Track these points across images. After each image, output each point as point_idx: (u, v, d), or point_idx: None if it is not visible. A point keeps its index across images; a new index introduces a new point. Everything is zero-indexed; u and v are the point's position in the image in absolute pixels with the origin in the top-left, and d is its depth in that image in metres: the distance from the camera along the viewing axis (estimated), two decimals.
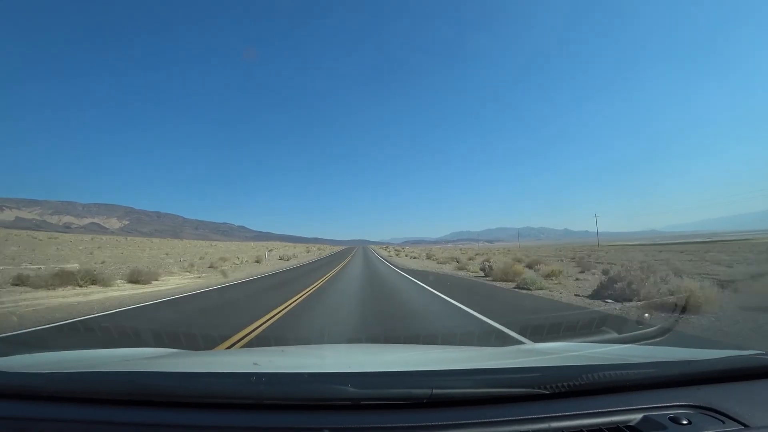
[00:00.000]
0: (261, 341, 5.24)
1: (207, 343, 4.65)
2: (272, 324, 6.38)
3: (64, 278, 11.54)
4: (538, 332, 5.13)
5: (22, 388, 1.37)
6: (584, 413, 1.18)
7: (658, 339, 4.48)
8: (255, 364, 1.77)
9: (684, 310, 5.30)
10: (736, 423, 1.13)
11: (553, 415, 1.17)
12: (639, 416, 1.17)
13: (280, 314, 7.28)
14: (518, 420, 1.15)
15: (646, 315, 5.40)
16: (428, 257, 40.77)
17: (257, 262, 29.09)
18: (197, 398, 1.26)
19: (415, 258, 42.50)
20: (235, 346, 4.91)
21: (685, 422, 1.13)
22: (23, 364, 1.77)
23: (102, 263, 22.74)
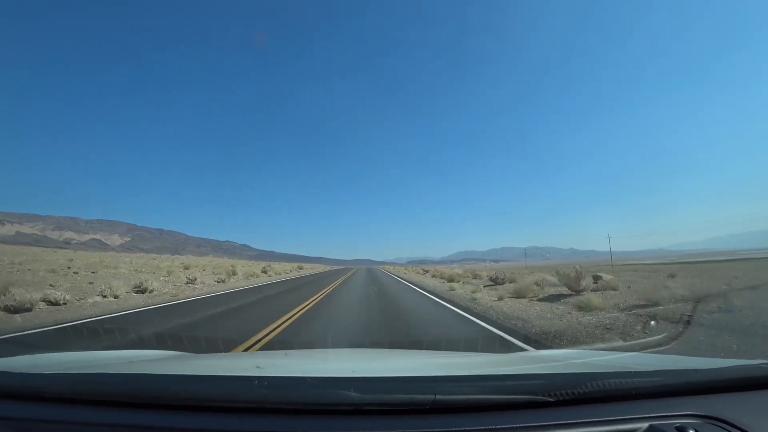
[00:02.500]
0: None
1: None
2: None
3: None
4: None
5: (24, 388, 1.36)
6: (589, 421, 1.16)
7: (664, 347, 4.43)
8: (258, 367, 1.76)
9: (690, 319, 5.25)
10: None
11: (558, 422, 1.15)
12: (645, 425, 1.14)
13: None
14: (522, 427, 1.14)
15: (653, 323, 5.34)
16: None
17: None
18: (200, 401, 1.25)
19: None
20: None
21: None
22: (27, 365, 1.76)
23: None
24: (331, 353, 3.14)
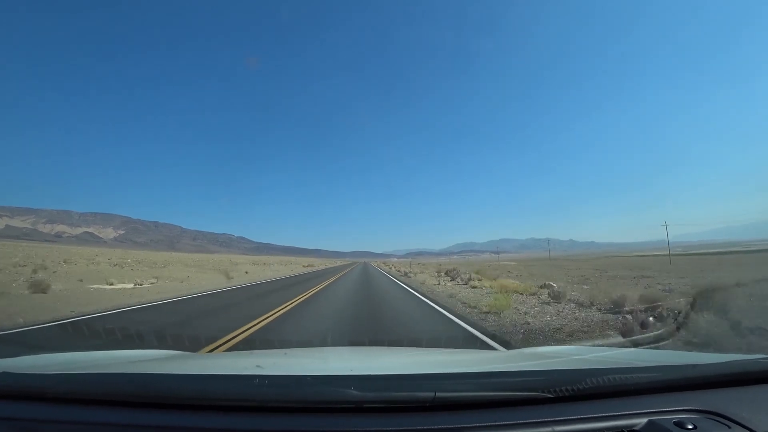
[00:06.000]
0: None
1: None
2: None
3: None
4: None
5: (27, 389, 1.36)
6: (588, 417, 1.17)
7: (663, 343, 4.46)
8: (258, 366, 1.78)
9: (688, 314, 5.29)
10: (742, 428, 1.12)
11: (557, 419, 1.15)
12: (644, 421, 1.15)
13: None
14: (522, 424, 1.15)
15: (651, 319, 5.37)
16: None
17: None
18: (202, 401, 1.26)
19: None
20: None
21: (690, 427, 1.12)
22: (30, 365, 1.76)
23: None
24: (330, 351, 3.14)
